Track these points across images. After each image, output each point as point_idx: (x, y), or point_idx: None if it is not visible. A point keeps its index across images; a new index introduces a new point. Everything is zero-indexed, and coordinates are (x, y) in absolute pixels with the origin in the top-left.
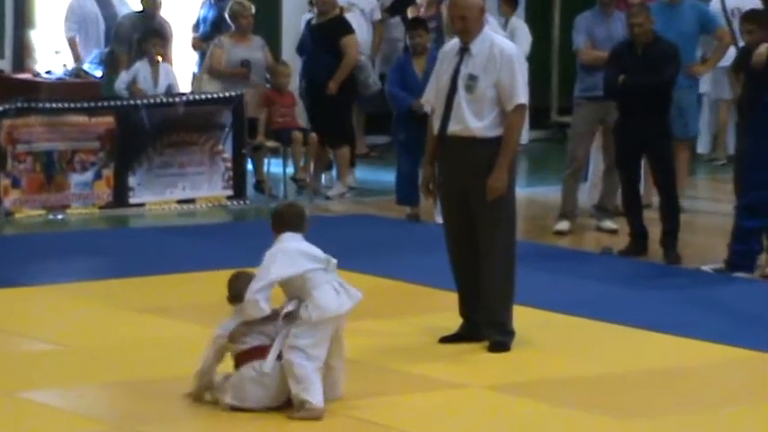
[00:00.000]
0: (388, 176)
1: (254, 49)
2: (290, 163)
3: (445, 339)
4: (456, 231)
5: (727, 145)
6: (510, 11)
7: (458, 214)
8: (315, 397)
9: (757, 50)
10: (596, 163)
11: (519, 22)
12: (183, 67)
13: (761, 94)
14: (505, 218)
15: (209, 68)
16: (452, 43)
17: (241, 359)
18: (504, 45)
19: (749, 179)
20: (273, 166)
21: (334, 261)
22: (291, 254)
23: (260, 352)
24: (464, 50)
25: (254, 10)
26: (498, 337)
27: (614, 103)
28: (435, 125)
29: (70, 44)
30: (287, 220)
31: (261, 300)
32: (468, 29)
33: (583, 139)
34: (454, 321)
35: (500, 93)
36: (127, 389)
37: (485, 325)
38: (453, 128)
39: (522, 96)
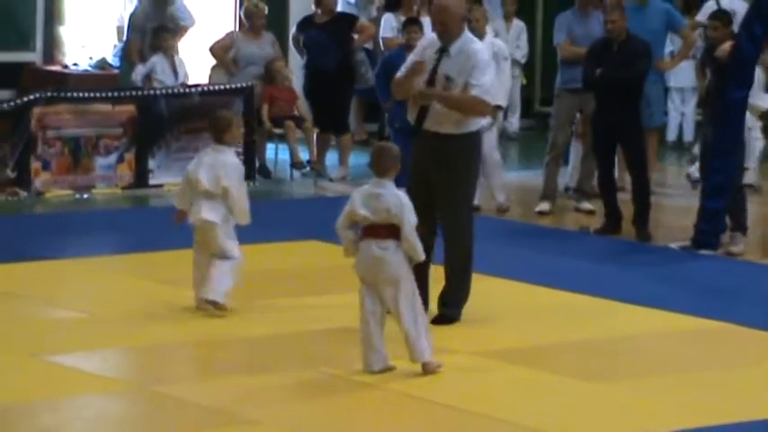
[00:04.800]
0: None
1: (264, 45)
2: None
3: None
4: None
5: None
6: (512, 11)
7: (423, 200)
8: None
9: (722, 46)
10: (575, 149)
11: (521, 24)
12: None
13: (724, 86)
14: (464, 208)
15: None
16: (432, 37)
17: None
18: (478, 48)
19: (713, 164)
20: (271, 152)
21: None
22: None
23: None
24: (443, 51)
25: (266, 11)
26: (445, 311)
27: (592, 94)
28: (411, 115)
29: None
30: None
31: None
32: (447, 32)
33: (563, 127)
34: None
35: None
36: (144, 352)
37: (439, 300)
38: (429, 125)
39: (489, 96)
